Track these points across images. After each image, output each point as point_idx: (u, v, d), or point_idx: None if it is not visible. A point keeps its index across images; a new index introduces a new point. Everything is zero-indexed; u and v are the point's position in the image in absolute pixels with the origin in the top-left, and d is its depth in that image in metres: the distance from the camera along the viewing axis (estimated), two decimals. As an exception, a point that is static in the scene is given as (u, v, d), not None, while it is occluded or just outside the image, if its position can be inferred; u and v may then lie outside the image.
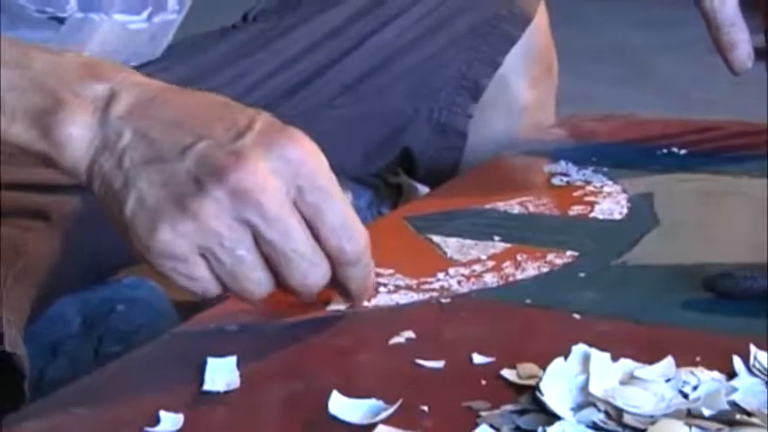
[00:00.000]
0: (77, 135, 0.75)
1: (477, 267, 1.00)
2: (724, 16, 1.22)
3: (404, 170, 1.45)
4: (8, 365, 0.90)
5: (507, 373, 0.79)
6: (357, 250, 0.78)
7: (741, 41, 1.22)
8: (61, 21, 1.16)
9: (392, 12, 1.36)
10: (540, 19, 1.41)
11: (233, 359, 0.82)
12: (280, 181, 0.74)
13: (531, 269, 0.99)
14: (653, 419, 0.67)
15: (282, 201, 0.74)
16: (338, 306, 0.91)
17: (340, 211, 0.77)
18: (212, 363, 0.82)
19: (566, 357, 0.78)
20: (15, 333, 0.90)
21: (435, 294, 0.95)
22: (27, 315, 1.02)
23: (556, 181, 1.22)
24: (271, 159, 0.74)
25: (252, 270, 0.75)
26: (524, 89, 1.41)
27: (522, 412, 0.71)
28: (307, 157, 0.77)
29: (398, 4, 1.36)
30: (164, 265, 0.74)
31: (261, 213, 0.73)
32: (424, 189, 1.47)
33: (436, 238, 1.06)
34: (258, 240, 0.74)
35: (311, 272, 0.76)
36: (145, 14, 1.24)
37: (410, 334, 0.86)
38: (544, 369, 0.77)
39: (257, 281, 0.76)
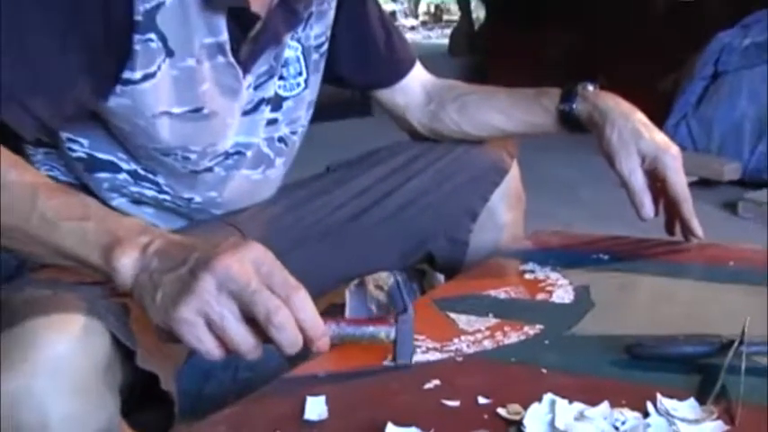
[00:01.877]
0: (127, 263, 0.79)
1: (479, 335, 0.99)
2: (635, 184, 1.23)
3: (427, 263, 1.44)
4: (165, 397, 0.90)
5: (501, 411, 0.79)
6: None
7: (646, 202, 1.23)
8: (199, 172, 1.16)
9: (417, 168, 1.36)
10: (514, 169, 1.42)
11: (323, 398, 0.82)
12: (247, 265, 0.75)
13: (514, 337, 0.98)
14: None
15: (251, 276, 0.75)
16: (389, 363, 0.90)
17: (281, 279, 0.76)
18: (310, 400, 0.82)
19: (539, 401, 0.78)
20: (168, 375, 0.89)
21: (452, 354, 0.94)
22: (186, 355, 1.02)
23: (527, 276, 1.21)
24: (239, 256, 0.75)
25: (236, 326, 0.74)
26: (504, 214, 1.41)
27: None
28: (261, 254, 0.77)
29: (420, 164, 1.37)
30: (181, 329, 0.75)
31: (237, 285, 0.74)
32: (439, 276, 1.48)
33: (452, 315, 1.06)
34: (241, 306, 0.74)
35: (285, 323, 0.74)
36: (261, 169, 1.24)
37: (437, 381, 0.86)
38: (525, 408, 0.78)
39: (243, 335, 0.75)
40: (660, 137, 1.25)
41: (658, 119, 3.86)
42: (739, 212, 3.48)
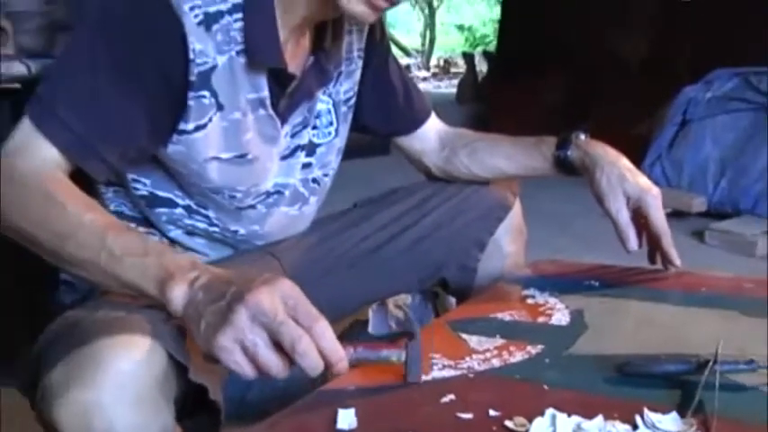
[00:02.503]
0: (178, 295, 0.80)
1: (488, 354, 0.97)
2: (621, 221, 1.22)
3: (440, 287, 1.43)
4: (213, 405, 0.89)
5: (509, 423, 0.77)
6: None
7: (631, 236, 1.22)
8: (243, 208, 1.15)
9: (432, 206, 1.35)
10: (516, 206, 1.40)
11: (353, 410, 0.81)
12: (275, 299, 0.75)
13: (519, 356, 0.97)
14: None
15: (278, 309, 0.75)
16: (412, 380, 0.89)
17: (305, 311, 0.76)
18: (341, 411, 0.81)
19: (542, 415, 0.76)
20: (216, 386, 0.89)
21: (465, 371, 0.92)
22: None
23: (528, 301, 1.19)
24: (268, 291, 0.75)
25: (267, 352, 0.74)
26: (508, 245, 1.39)
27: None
28: (288, 288, 0.77)
29: (435, 202, 1.36)
30: (221, 355, 0.75)
31: (267, 317, 0.74)
32: (451, 298, 1.46)
33: (464, 335, 1.04)
34: (270, 334, 0.74)
35: (308, 350, 0.74)
36: (297, 206, 1.23)
37: (452, 396, 0.85)
38: (530, 421, 0.76)
39: (272, 360, 0.75)
40: (643, 180, 1.24)
41: (636, 158, 3.89)
42: (706, 240, 3.49)
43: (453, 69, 17.65)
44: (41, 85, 0.96)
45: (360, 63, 1.26)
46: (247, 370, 0.75)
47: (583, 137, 1.28)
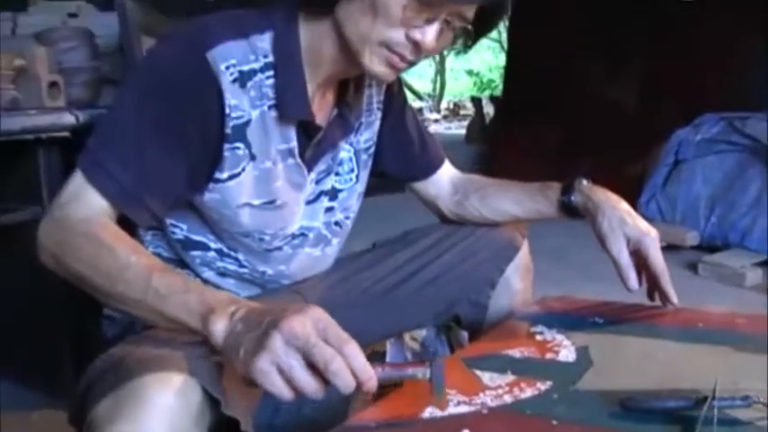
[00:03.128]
0: (219, 328, 0.80)
1: (500, 390, 0.95)
2: (622, 262, 1.20)
3: (454, 322, 1.41)
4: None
5: (521, 459, 0.75)
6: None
7: (632, 276, 1.20)
8: (271, 250, 1.15)
9: (446, 247, 1.34)
10: (524, 246, 1.39)
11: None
12: (307, 324, 0.76)
13: (529, 392, 0.95)
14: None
15: (310, 333, 0.75)
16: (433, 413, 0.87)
17: (335, 334, 0.76)
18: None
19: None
20: (247, 418, 0.87)
21: (479, 407, 0.90)
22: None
23: (537, 337, 1.16)
24: (300, 317, 0.76)
25: (302, 373, 0.75)
26: (517, 283, 1.37)
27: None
28: (319, 314, 0.77)
29: (449, 243, 1.34)
30: (259, 378, 0.75)
31: (300, 341, 0.74)
32: (463, 332, 1.44)
33: (477, 372, 1.02)
34: (305, 357, 0.75)
35: (340, 369, 0.74)
36: (320, 248, 1.23)
37: (467, 430, 0.83)
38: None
39: (307, 380, 0.75)
40: (642, 223, 1.22)
41: (633, 195, 3.86)
42: (699, 272, 3.46)
43: (462, 112, 17.72)
44: (92, 138, 0.98)
45: (379, 114, 1.26)
46: (284, 391, 0.75)
47: (585, 182, 1.27)
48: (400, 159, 1.34)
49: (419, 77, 24.48)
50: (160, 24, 2.20)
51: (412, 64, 1.03)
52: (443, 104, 21.25)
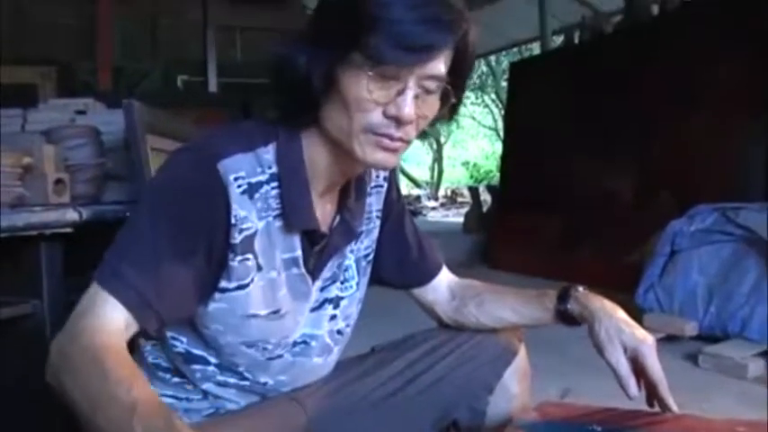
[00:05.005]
0: None
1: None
2: (621, 371, 1.19)
3: (452, 427, 1.37)
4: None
5: None
6: None
7: (631, 384, 1.19)
8: (273, 358, 1.14)
9: (445, 352, 1.34)
10: (521, 351, 1.38)
11: None
12: None
13: None
14: None
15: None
16: None
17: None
18: None
19: None
20: None
21: None
22: None
23: (535, 446, 1.14)
24: None
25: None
26: (514, 387, 1.36)
27: None
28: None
29: (447, 348, 1.34)
30: None
31: None
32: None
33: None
34: None
35: None
36: (323, 357, 1.23)
37: None
38: None
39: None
40: (639, 331, 1.22)
41: (630, 286, 3.84)
42: (699, 363, 3.41)
43: (460, 199, 17.82)
44: (109, 251, 0.97)
45: (378, 222, 1.27)
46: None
47: (581, 290, 1.28)
48: (399, 267, 1.35)
49: (417, 165, 24.76)
50: (164, 123, 2.25)
51: (408, 141, 1.02)
52: (441, 192, 21.42)
